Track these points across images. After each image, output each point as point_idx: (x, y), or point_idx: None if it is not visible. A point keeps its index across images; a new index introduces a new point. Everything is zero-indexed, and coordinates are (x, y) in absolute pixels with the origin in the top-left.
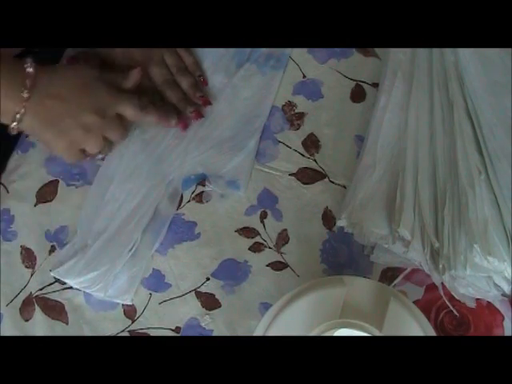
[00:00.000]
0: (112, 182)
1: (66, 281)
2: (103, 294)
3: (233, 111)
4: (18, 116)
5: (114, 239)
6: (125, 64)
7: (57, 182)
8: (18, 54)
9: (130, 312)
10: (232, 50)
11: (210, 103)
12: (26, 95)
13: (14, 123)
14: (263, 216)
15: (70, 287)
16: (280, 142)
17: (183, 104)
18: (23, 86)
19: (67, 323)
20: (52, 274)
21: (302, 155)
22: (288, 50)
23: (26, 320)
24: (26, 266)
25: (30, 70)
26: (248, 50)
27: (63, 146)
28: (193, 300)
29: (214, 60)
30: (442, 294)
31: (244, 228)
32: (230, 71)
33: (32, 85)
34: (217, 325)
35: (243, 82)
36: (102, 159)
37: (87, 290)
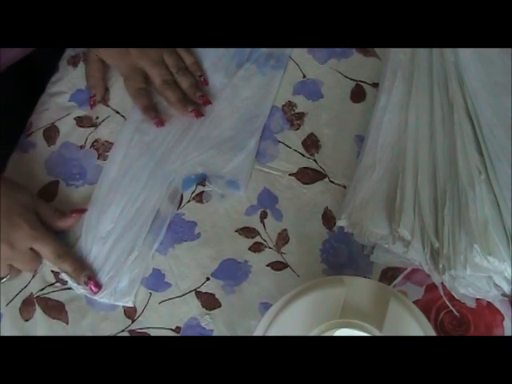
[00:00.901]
0: (114, 186)
1: (72, 287)
2: (109, 300)
3: (233, 111)
4: None
5: (118, 245)
6: (123, 65)
7: (57, 182)
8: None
9: (129, 312)
10: (232, 50)
11: (210, 103)
12: None
13: None
14: (263, 216)
15: (71, 287)
16: (280, 142)
17: (182, 104)
18: None
19: (67, 323)
20: (61, 276)
21: (302, 155)
22: (288, 50)
23: (26, 320)
24: None
25: None
26: (248, 49)
27: None
28: (193, 300)
29: (214, 60)
30: (442, 293)
31: (244, 228)
32: (230, 71)
33: None
34: (217, 325)
35: (243, 81)
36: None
37: (94, 297)
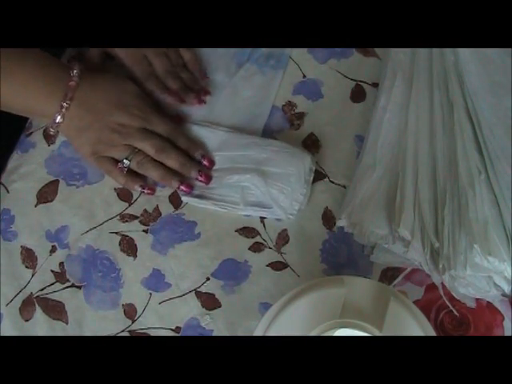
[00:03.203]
0: None
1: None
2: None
3: (233, 111)
4: (56, 122)
5: None
6: (129, 54)
7: (57, 182)
8: None
9: (130, 312)
10: (232, 50)
11: (208, 93)
12: (65, 105)
13: (52, 130)
14: (263, 216)
15: (71, 286)
16: None
17: (184, 92)
18: (64, 97)
19: (67, 323)
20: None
21: None
22: (288, 50)
23: (26, 320)
24: (27, 266)
25: (73, 83)
26: (248, 50)
27: (88, 152)
28: (193, 300)
29: (214, 60)
30: (442, 293)
31: (244, 228)
32: (231, 71)
33: (72, 97)
34: (217, 325)
35: (244, 81)
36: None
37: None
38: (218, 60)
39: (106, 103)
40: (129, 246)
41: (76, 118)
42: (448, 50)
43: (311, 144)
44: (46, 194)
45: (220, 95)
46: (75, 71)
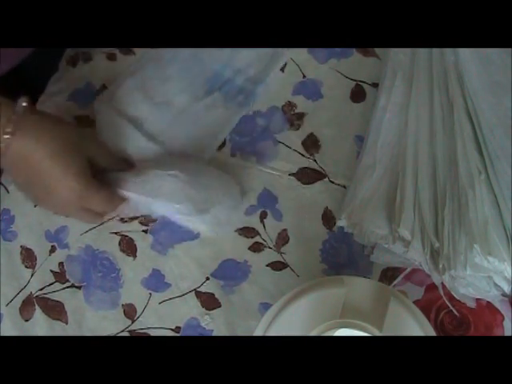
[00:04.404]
0: None
1: None
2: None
3: (185, 136)
4: None
5: None
6: None
7: None
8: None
9: (129, 312)
10: (209, 74)
11: None
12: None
13: None
14: (263, 216)
15: (70, 287)
16: (280, 142)
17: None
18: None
19: (67, 323)
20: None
21: (302, 155)
22: (259, 91)
23: (26, 320)
24: (26, 266)
25: (7, 137)
26: (224, 78)
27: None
28: (193, 300)
29: (183, 80)
30: (442, 293)
31: (244, 228)
32: (197, 96)
33: (4, 152)
34: (217, 325)
35: (205, 111)
36: None
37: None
38: (190, 80)
39: (48, 168)
40: (129, 246)
41: (13, 173)
42: (448, 50)
43: (311, 144)
44: None
45: (178, 117)
46: (12, 120)
